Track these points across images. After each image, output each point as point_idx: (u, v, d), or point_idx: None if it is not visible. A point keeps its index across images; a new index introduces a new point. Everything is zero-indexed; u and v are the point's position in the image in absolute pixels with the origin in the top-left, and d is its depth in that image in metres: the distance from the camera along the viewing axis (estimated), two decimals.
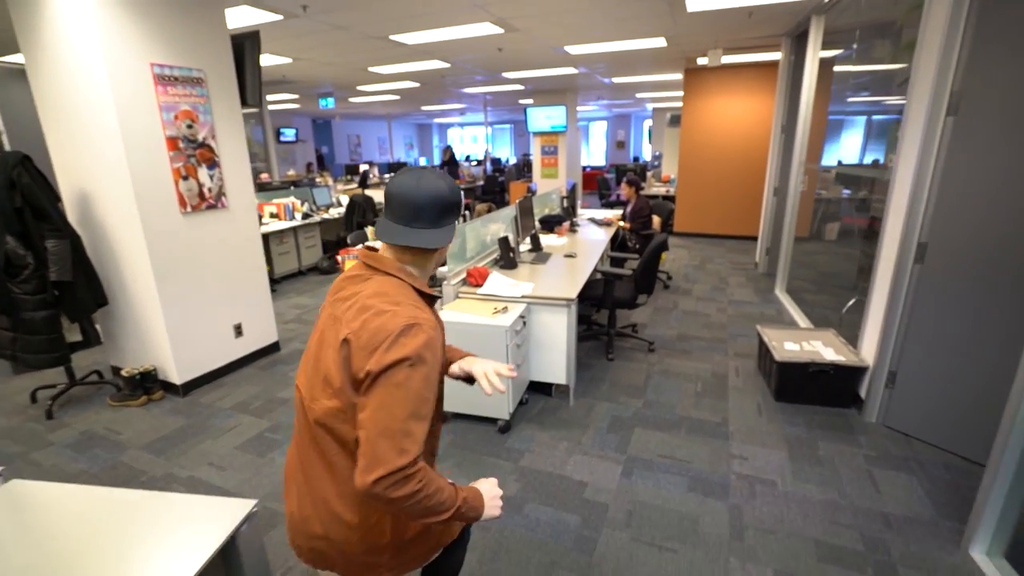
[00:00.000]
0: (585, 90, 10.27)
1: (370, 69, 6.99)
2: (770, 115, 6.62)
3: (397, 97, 10.58)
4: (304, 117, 15.01)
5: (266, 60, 6.08)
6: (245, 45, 3.35)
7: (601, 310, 4.56)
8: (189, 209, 3.11)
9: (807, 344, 3.06)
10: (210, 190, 3.22)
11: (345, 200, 6.87)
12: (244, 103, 3.43)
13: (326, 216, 6.58)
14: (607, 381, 3.30)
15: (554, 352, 2.92)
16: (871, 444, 2.54)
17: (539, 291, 2.89)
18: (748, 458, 2.46)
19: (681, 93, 7.75)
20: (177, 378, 3.17)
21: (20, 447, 2.73)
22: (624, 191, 5.30)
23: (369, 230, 3.17)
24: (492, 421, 2.78)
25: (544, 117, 10.14)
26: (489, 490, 1.09)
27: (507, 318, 2.62)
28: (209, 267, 3.28)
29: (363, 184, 10.13)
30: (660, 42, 5.58)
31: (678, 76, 8.18)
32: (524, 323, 2.79)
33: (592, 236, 4.64)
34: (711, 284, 5.49)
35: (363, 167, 11.69)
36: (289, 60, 6.11)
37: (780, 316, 4.45)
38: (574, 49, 5.90)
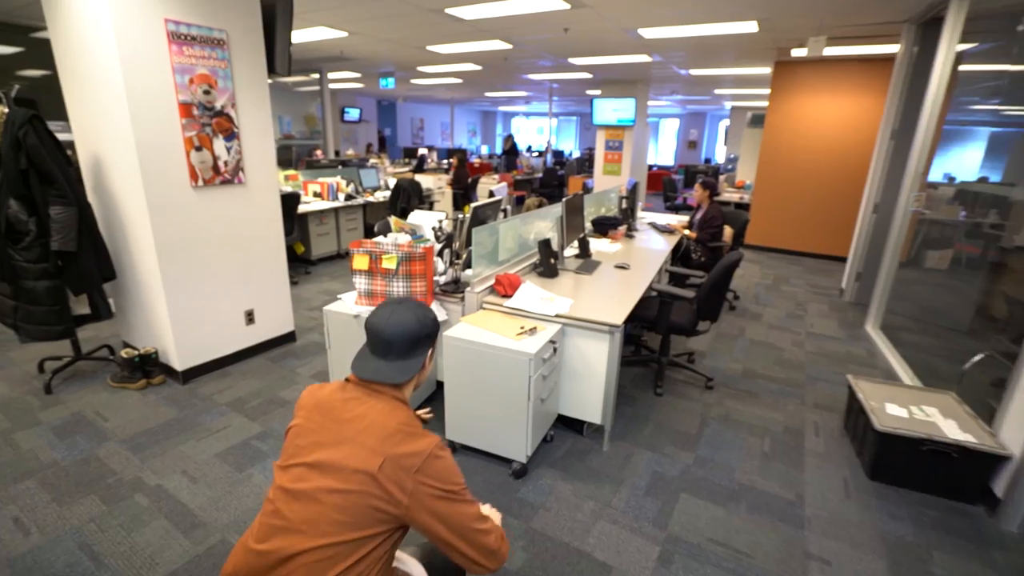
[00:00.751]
0: (658, 83, 9.50)
1: (428, 48, 6.64)
2: (875, 118, 5.70)
3: (459, 81, 10.25)
4: (369, 98, 15.02)
5: (321, 33, 5.86)
6: (276, 7, 3.03)
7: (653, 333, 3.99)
8: (201, 183, 2.84)
9: (918, 410, 2.39)
10: (226, 164, 2.94)
11: (393, 184, 6.60)
12: (272, 71, 3.13)
13: (371, 199, 6.33)
14: (652, 423, 2.77)
15: (590, 385, 2.43)
16: (1013, 567, 1.88)
17: (579, 310, 2.39)
18: (831, 562, 1.87)
19: (767, 91, 6.89)
20: (178, 364, 2.94)
21: (8, 423, 2.57)
22: (696, 194, 4.65)
23: (393, 220, 2.77)
24: (506, 462, 2.33)
25: (611, 109, 9.49)
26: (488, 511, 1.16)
27: (534, 342, 2.15)
28: (221, 247, 3.01)
29: (419, 169, 9.91)
30: (751, 27, 4.84)
31: (766, 70, 7.31)
32: (555, 350, 2.31)
33: (651, 244, 4.06)
34: (786, 310, 4.76)
35: (421, 151, 11.48)
36: (344, 33, 5.85)
37: (872, 359, 3.71)
38: (649, 33, 5.26)
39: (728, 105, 13.75)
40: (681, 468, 2.38)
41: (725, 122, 16.40)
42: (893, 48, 5.10)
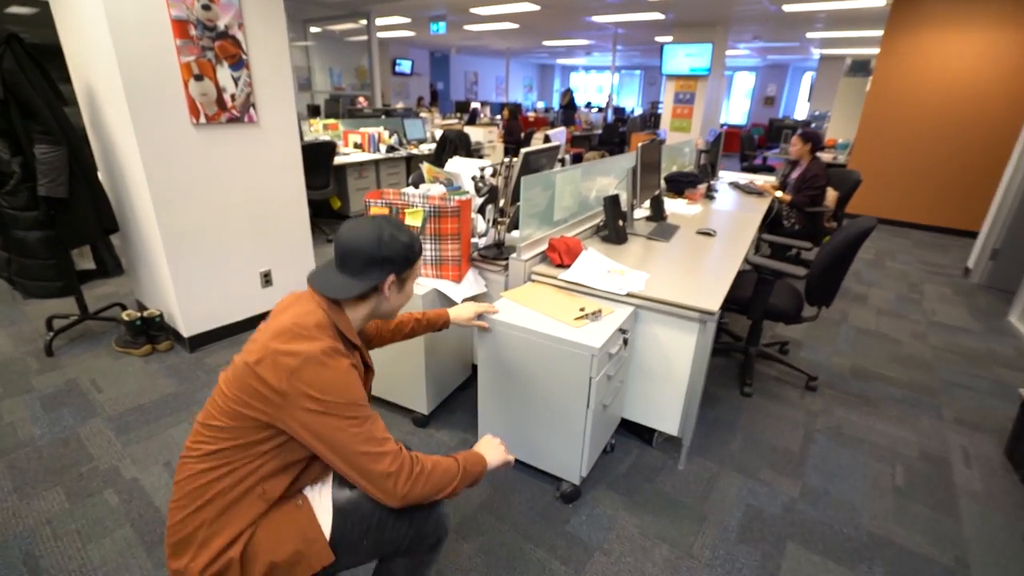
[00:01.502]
0: (740, 24, 8.29)
1: None
2: None
3: (515, 26, 9.39)
4: (422, 50, 14.35)
5: None
6: None
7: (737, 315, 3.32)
8: (204, 120, 2.40)
9: None
10: (233, 97, 2.48)
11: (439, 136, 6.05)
12: None
13: (415, 151, 5.82)
14: (741, 433, 2.18)
15: (667, 387, 1.86)
16: None
17: (658, 288, 1.80)
18: None
19: (873, 32, 5.74)
20: (184, 329, 2.60)
21: (1, 388, 2.31)
22: (793, 148, 3.83)
23: (426, 168, 2.25)
24: (552, 478, 1.83)
25: (684, 55, 8.42)
26: (488, 441, 1.21)
27: (599, 331, 1.59)
28: (231, 197, 2.60)
29: (471, 123, 9.30)
30: None
31: (880, 1, 6.09)
32: (625, 341, 1.74)
33: (737, 207, 3.34)
34: (896, 291, 3.93)
35: (474, 105, 10.83)
36: None
37: None
38: None
39: (816, 53, 12.10)
40: (784, 503, 1.80)
41: (809, 75, 14.62)
42: None
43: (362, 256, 1.02)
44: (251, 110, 2.56)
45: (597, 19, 8.32)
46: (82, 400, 2.23)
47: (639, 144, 2.48)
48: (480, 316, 1.67)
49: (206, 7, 2.29)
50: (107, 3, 2.02)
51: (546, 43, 12.36)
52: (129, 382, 2.38)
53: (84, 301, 2.74)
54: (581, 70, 19.62)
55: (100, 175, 2.75)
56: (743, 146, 8.21)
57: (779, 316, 2.43)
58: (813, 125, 10.41)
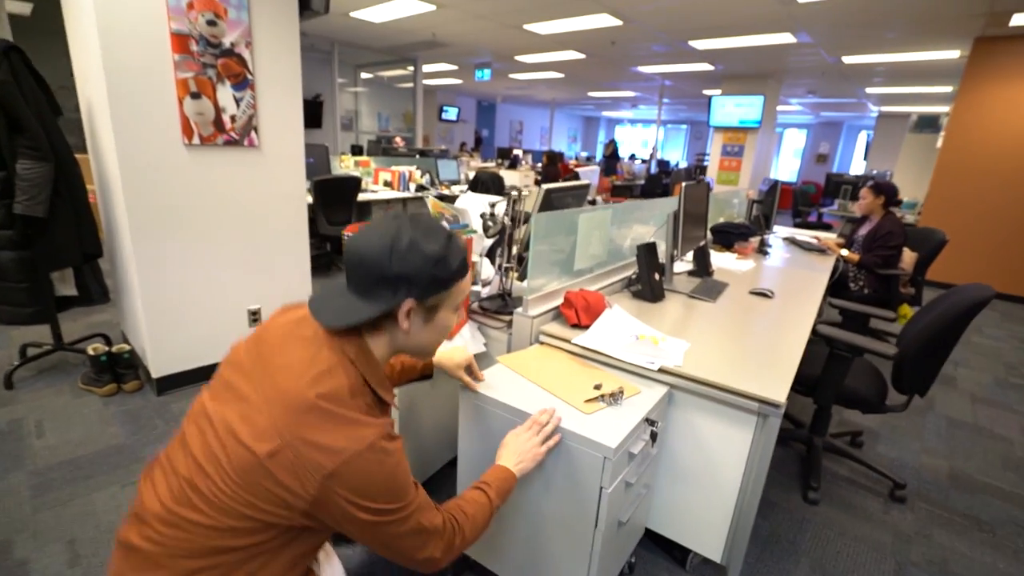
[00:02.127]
0: (794, 77, 7.96)
1: (526, 27, 5.86)
2: None
3: (561, 75, 9.40)
4: (470, 98, 14.71)
5: (407, 7, 5.29)
6: None
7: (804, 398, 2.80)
8: (197, 140, 2.19)
9: None
10: (234, 118, 2.28)
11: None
12: (305, 7, 2.44)
13: (445, 192, 5.64)
14: (805, 558, 1.65)
15: (709, 497, 1.39)
16: None
17: (701, 364, 1.37)
18: None
19: (942, 88, 5.28)
20: (154, 369, 2.31)
21: None
22: (864, 201, 3.35)
23: (431, 202, 1.93)
24: None
25: (733, 106, 8.13)
26: (518, 446, 1.07)
27: (617, 422, 1.17)
28: (222, 225, 2.36)
29: (511, 168, 9.23)
30: None
31: (952, 54, 5.64)
32: (654, 436, 1.30)
33: (795, 266, 2.87)
34: (991, 373, 3.29)
35: (516, 151, 10.83)
36: (432, 7, 5.23)
37: None
38: None
39: (875, 111, 11.58)
40: None
41: (865, 133, 14.03)
42: None
43: (369, 269, 0.76)
44: (252, 133, 2.36)
45: (643, 69, 8.19)
46: (16, 446, 1.94)
47: (682, 184, 2.10)
48: (469, 371, 1.29)
49: (212, 22, 2.13)
50: (100, 11, 1.87)
51: (591, 94, 12.40)
52: (77, 428, 2.08)
53: (59, 330, 2.52)
54: (627, 123, 19.67)
55: (96, 195, 2.60)
56: (796, 202, 7.68)
57: (857, 403, 1.92)
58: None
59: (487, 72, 8.93)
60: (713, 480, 1.37)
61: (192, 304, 2.34)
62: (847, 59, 6.41)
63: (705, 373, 1.33)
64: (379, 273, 0.76)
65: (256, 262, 2.52)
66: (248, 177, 2.40)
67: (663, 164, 13.51)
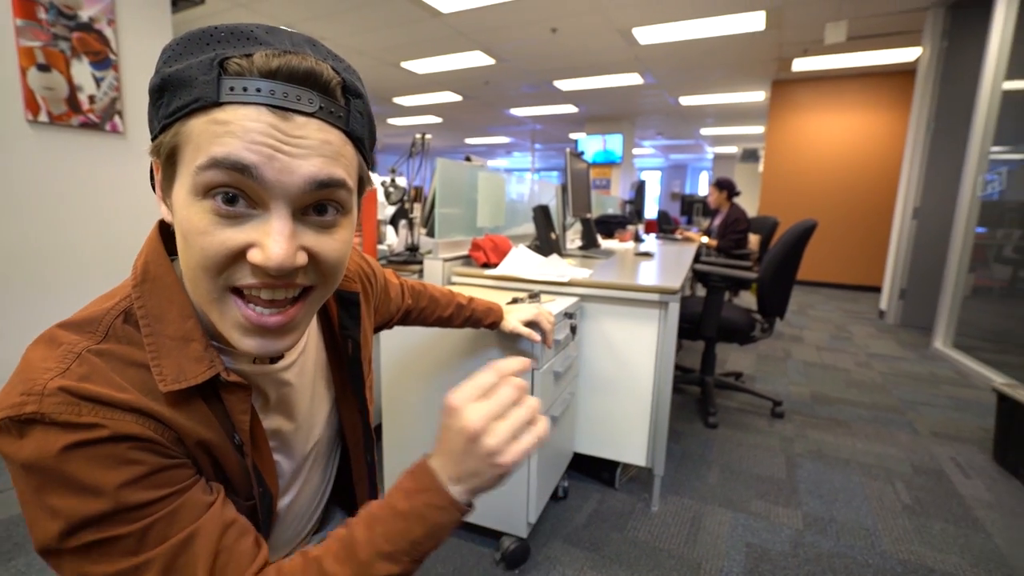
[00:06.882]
0: (645, 116, 9.17)
1: (403, 65, 6.10)
2: (887, 130, 5.28)
3: (439, 120, 9.80)
4: None
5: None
6: None
7: (683, 343, 3.09)
8: (45, 117, 1.95)
9: None
10: (92, 99, 2.07)
11: None
12: None
13: None
14: (716, 465, 1.80)
15: (627, 403, 1.49)
16: None
17: (603, 278, 1.50)
18: None
19: (755, 128, 6.49)
20: None
21: None
22: (712, 198, 3.92)
23: None
24: (490, 536, 1.33)
25: (599, 143, 9.07)
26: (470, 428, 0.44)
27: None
28: (76, 224, 2.07)
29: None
30: (758, 21, 4.36)
31: (758, 96, 6.95)
32: (573, 329, 1.38)
33: (669, 246, 3.25)
34: (827, 332, 3.93)
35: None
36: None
37: (967, 379, 2.84)
38: (644, 34, 4.75)
39: (710, 152, 13.67)
40: (790, 537, 1.41)
41: (705, 173, 16.43)
42: (907, 54, 4.69)
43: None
44: (116, 118, 2.15)
45: (516, 112, 8.86)
46: None
47: (567, 150, 2.31)
48: (532, 324, 1.10)
49: None
50: None
51: (468, 140, 13.02)
52: None
53: None
54: (503, 172, 20.82)
55: None
56: (660, 222, 8.65)
57: (734, 332, 2.19)
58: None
59: None
60: (629, 384, 1.47)
61: (29, 318, 1.99)
62: (683, 100, 7.57)
63: (608, 279, 1.45)
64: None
65: (122, 268, 2.24)
66: (113, 169, 2.15)
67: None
